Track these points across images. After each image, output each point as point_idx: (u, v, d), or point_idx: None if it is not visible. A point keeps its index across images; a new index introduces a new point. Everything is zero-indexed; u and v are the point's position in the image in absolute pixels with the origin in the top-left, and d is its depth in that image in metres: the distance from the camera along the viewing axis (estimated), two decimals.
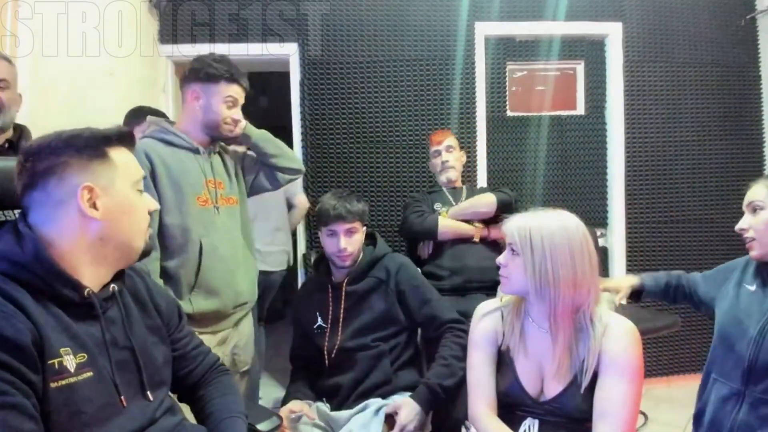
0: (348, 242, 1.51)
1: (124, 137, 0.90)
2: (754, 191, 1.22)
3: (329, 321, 1.55)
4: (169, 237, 1.42)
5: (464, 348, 1.36)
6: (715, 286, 1.37)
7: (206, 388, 1.08)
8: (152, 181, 1.39)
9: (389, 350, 1.51)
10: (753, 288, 1.21)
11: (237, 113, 1.55)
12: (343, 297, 1.55)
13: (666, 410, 2.48)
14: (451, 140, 2.20)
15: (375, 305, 1.54)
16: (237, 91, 1.53)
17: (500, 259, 1.15)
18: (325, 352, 1.53)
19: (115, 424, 0.81)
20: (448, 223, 2.00)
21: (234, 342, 1.59)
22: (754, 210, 1.21)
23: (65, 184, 0.80)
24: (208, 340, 1.44)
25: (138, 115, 1.93)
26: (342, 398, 1.49)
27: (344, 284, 1.55)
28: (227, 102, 1.51)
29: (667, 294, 1.52)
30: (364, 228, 1.60)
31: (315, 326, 1.58)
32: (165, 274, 1.42)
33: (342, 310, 1.54)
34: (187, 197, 1.45)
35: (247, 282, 1.61)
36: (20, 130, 1.47)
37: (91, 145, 0.83)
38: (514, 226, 1.12)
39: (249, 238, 1.67)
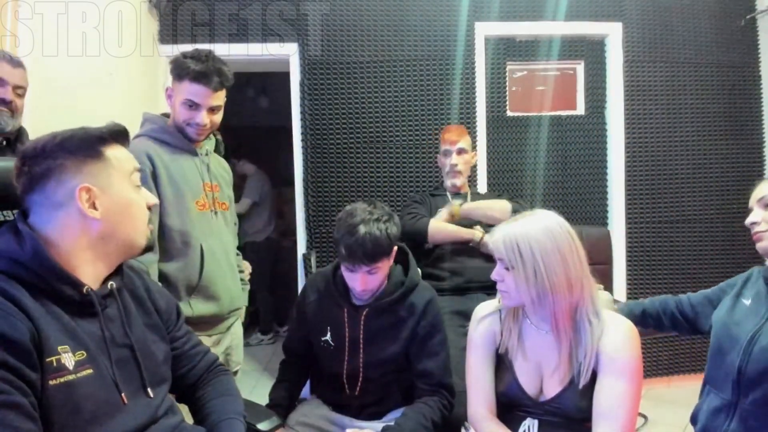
0: (368, 281, 1.32)
1: (118, 134, 0.89)
2: (766, 187, 1.23)
3: (343, 342, 1.41)
4: (169, 240, 1.41)
5: (444, 419, 1.33)
6: (717, 292, 1.35)
7: (205, 388, 1.08)
8: (153, 182, 1.37)
9: (402, 378, 1.44)
10: (748, 302, 1.22)
11: (200, 117, 1.42)
12: (361, 325, 1.39)
13: (666, 410, 2.47)
14: (464, 142, 2.07)
15: (393, 342, 1.39)
16: (198, 93, 1.40)
17: (494, 275, 1.13)
18: (336, 371, 1.43)
19: (116, 421, 0.81)
20: (438, 226, 1.90)
21: (227, 343, 1.60)
22: (767, 206, 1.22)
23: (63, 186, 0.80)
24: (203, 341, 1.44)
25: None
26: (353, 414, 1.44)
27: (364, 314, 1.39)
28: (185, 103, 1.41)
29: (645, 322, 1.44)
30: (393, 253, 1.37)
31: (322, 339, 1.43)
32: (163, 277, 1.39)
33: (361, 339, 1.39)
34: (187, 201, 1.44)
35: (239, 287, 1.62)
36: (18, 129, 1.46)
37: (85, 146, 0.83)
38: (499, 239, 1.08)
39: (235, 245, 1.66)
